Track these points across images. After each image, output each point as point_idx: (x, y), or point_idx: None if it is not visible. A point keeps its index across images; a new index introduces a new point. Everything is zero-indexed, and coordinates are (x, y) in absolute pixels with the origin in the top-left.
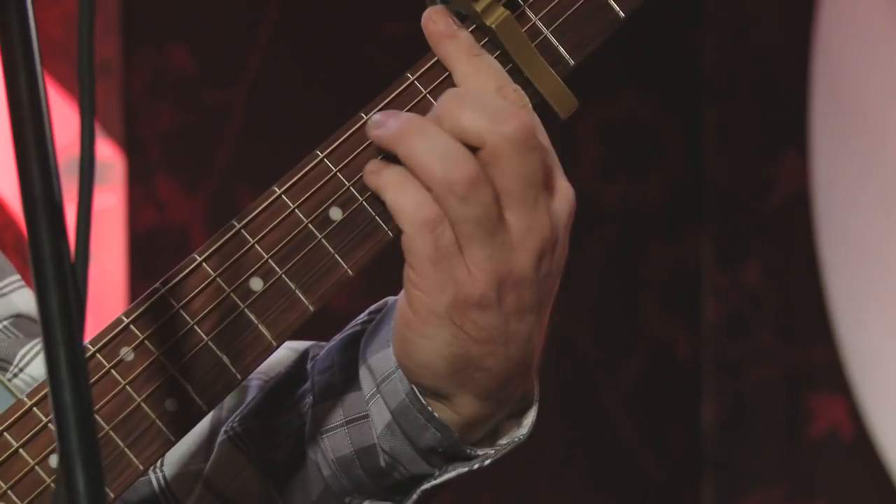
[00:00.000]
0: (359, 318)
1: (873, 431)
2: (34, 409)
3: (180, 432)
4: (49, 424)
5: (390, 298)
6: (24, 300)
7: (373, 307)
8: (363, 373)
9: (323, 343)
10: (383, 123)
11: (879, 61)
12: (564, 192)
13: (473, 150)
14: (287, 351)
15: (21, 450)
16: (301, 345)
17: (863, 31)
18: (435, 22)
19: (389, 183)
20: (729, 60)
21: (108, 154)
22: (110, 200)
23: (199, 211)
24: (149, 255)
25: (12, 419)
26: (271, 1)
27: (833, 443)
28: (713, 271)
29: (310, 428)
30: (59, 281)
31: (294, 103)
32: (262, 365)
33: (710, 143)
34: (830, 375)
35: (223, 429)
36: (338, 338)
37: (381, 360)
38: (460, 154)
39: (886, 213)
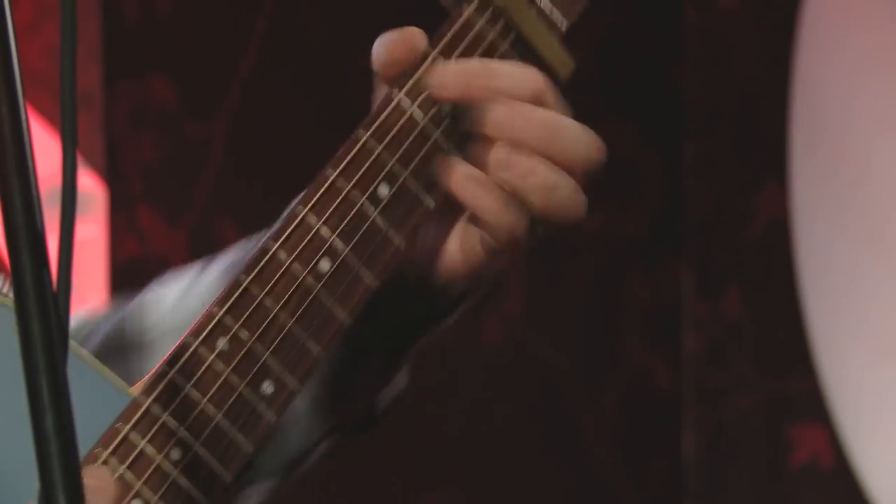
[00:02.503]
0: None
1: (854, 460)
2: (153, 404)
3: (280, 411)
4: (166, 417)
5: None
6: None
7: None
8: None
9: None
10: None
11: (858, 91)
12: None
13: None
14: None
15: (146, 444)
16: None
17: (842, 62)
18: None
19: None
20: (708, 92)
21: (90, 185)
22: (91, 231)
23: (180, 242)
24: (130, 285)
25: (135, 418)
26: (253, 32)
27: (813, 472)
28: (693, 301)
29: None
30: (41, 310)
31: (276, 134)
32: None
33: (690, 174)
34: (811, 405)
35: None
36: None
37: None
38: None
39: (866, 243)
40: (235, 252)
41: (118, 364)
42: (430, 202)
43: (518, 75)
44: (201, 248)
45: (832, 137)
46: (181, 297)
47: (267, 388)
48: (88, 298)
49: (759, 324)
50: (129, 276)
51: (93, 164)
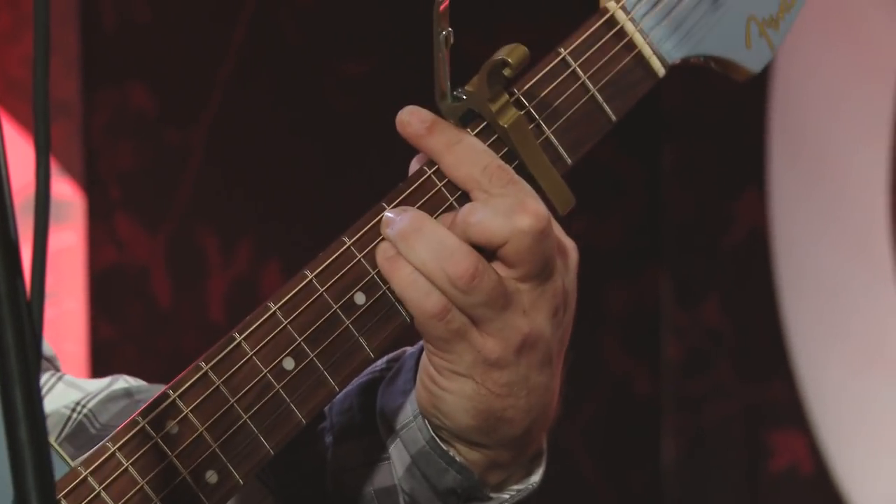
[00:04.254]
0: (377, 363)
1: (832, 466)
2: (88, 477)
3: (220, 502)
4: (102, 492)
5: (408, 349)
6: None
7: (391, 355)
8: (381, 419)
9: None
10: (391, 221)
11: (837, 100)
12: (571, 250)
13: (494, 248)
14: None
15: None
16: None
17: (821, 71)
18: (409, 124)
19: (398, 275)
20: (687, 100)
21: (68, 193)
22: (70, 239)
23: (158, 250)
24: (109, 293)
25: (69, 487)
26: (232, 40)
27: (793, 478)
28: (673, 309)
29: (331, 466)
30: (15, 319)
31: (254, 143)
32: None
33: (669, 182)
34: (790, 411)
35: None
36: (356, 382)
37: (398, 410)
38: (457, 249)
39: (844, 251)
40: None
41: None
42: (407, 316)
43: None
44: (179, 255)
45: (811, 146)
46: None
47: (210, 477)
48: (67, 305)
49: (739, 331)
50: (108, 283)
51: (71, 172)
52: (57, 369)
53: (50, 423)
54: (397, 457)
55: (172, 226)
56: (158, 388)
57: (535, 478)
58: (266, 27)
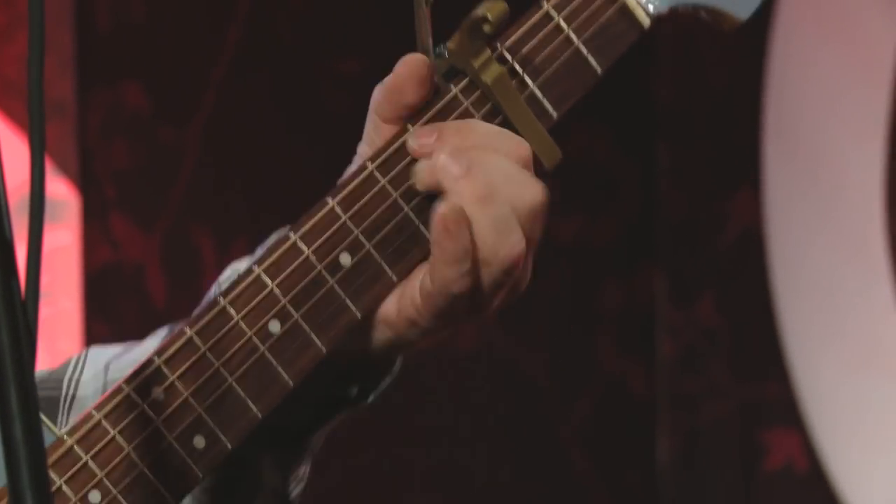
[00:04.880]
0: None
1: (827, 465)
2: (74, 446)
3: (207, 469)
4: (89, 461)
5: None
6: None
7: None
8: None
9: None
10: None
11: (831, 98)
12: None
13: None
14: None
15: (63, 486)
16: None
17: (815, 69)
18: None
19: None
20: (681, 98)
21: (63, 192)
22: (65, 238)
23: (154, 249)
24: (104, 293)
25: (55, 456)
26: (227, 39)
27: (788, 477)
28: (667, 307)
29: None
30: (10, 318)
31: (249, 142)
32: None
33: (664, 180)
34: (785, 410)
35: None
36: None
37: None
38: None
39: (839, 249)
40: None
41: None
42: (393, 276)
43: (497, 137)
44: (175, 254)
45: (806, 144)
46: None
47: (198, 442)
48: (62, 305)
49: (733, 329)
50: (104, 283)
51: (66, 172)
52: None
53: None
54: None
55: (167, 225)
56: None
57: (390, 378)
58: (261, 26)
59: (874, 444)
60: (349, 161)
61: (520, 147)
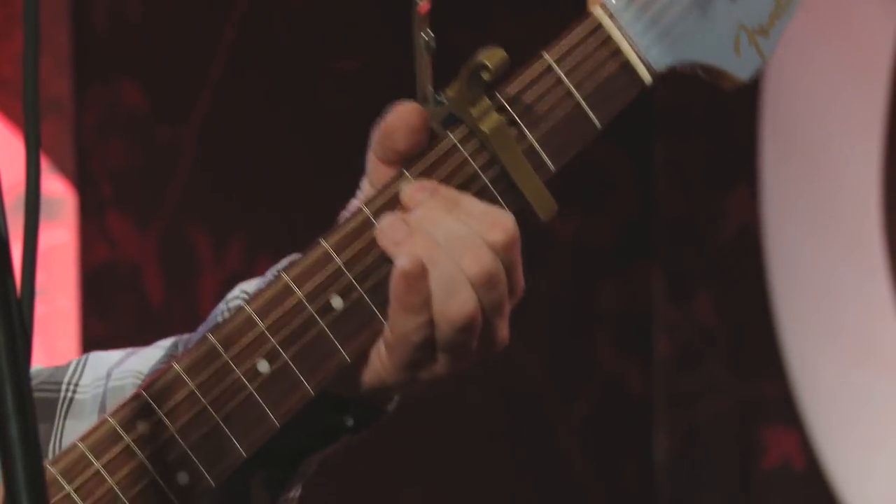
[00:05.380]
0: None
1: (825, 463)
2: (58, 477)
3: (191, 503)
4: (72, 493)
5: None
6: None
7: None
8: None
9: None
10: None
11: (827, 95)
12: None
13: None
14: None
15: (73, 493)
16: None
17: (812, 66)
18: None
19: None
20: (678, 96)
21: (60, 190)
22: (62, 237)
23: (150, 247)
24: (101, 291)
25: (64, 461)
26: (223, 38)
27: (785, 474)
28: (665, 305)
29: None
30: (5, 317)
31: (246, 141)
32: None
33: (661, 178)
34: (782, 408)
35: None
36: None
37: None
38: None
39: (837, 247)
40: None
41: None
42: (385, 321)
43: (482, 217)
44: (172, 253)
45: (803, 142)
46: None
47: (182, 478)
48: (59, 303)
49: (731, 328)
50: (100, 281)
51: (63, 170)
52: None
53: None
54: None
55: (164, 223)
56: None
57: (391, 406)
58: (258, 25)
59: (871, 441)
60: (346, 160)
61: (495, 226)
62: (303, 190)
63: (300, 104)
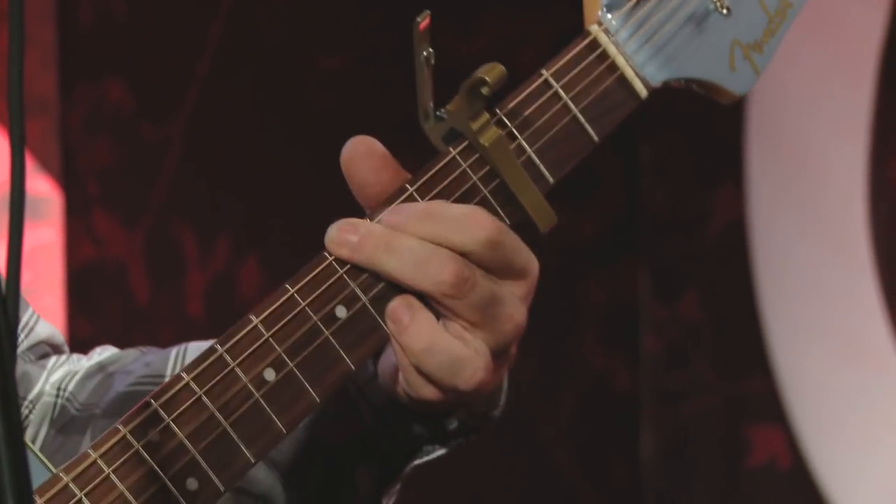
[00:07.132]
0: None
1: (811, 461)
2: (70, 484)
3: None
4: (84, 499)
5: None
6: (44, 327)
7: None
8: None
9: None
10: (344, 242)
11: (814, 94)
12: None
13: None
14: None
15: None
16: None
17: (798, 64)
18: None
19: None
20: (664, 93)
21: (46, 189)
22: (48, 236)
23: (136, 246)
24: (87, 290)
25: (50, 493)
26: (209, 36)
27: (771, 472)
28: (651, 303)
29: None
30: None
31: (232, 138)
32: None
33: (647, 176)
34: (768, 406)
35: None
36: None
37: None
38: (434, 254)
39: (823, 246)
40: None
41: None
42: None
43: (463, 221)
44: (158, 251)
45: (789, 140)
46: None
47: (191, 484)
48: (45, 302)
49: (717, 325)
50: (86, 280)
51: (49, 169)
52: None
53: (39, 413)
54: (364, 407)
55: (150, 222)
56: (129, 354)
57: (497, 412)
58: (244, 23)
59: (857, 439)
60: (332, 156)
61: (473, 226)
62: (288, 187)
63: (286, 102)
